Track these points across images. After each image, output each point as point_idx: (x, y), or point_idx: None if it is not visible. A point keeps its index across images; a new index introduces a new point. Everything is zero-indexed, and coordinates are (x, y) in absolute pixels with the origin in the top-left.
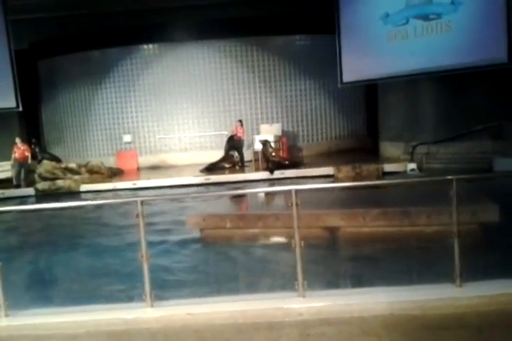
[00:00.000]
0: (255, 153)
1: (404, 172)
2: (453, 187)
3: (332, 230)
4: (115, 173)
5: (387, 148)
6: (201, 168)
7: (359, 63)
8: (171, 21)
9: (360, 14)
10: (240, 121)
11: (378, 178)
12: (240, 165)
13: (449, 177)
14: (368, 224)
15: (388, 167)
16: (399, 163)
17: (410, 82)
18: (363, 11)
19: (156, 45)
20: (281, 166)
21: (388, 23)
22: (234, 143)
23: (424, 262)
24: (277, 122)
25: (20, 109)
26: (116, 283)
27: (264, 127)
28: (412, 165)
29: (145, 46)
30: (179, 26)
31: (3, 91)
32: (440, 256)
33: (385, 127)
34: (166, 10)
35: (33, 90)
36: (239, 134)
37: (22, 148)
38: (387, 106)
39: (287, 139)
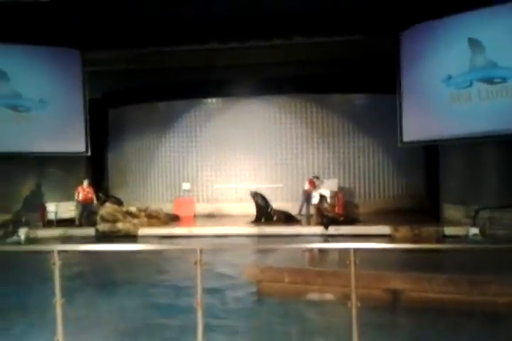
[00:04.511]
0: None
1: (466, 236)
2: None
3: (394, 293)
4: (172, 219)
5: (448, 211)
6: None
7: (420, 123)
8: (234, 78)
9: (421, 75)
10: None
11: (438, 241)
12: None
13: None
14: (434, 289)
15: (449, 230)
16: (460, 226)
17: (473, 145)
18: (424, 72)
19: (219, 100)
20: (335, 222)
21: (451, 85)
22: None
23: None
24: (334, 178)
25: (89, 153)
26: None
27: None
28: (475, 230)
29: (208, 100)
30: (241, 82)
31: (74, 136)
32: None
33: (446, 189)
34: (230, 67)
35: (101, 136)
36: (309, 187)
37: (87, 190)
38: (449, 168)
39: (343, 195)
